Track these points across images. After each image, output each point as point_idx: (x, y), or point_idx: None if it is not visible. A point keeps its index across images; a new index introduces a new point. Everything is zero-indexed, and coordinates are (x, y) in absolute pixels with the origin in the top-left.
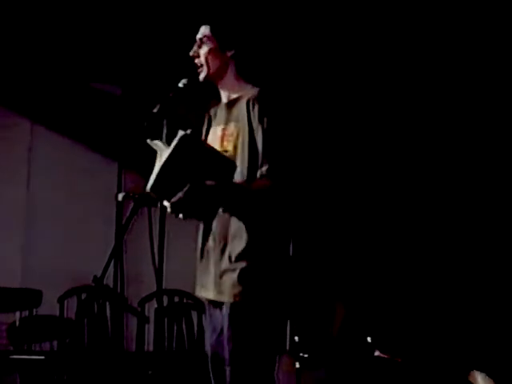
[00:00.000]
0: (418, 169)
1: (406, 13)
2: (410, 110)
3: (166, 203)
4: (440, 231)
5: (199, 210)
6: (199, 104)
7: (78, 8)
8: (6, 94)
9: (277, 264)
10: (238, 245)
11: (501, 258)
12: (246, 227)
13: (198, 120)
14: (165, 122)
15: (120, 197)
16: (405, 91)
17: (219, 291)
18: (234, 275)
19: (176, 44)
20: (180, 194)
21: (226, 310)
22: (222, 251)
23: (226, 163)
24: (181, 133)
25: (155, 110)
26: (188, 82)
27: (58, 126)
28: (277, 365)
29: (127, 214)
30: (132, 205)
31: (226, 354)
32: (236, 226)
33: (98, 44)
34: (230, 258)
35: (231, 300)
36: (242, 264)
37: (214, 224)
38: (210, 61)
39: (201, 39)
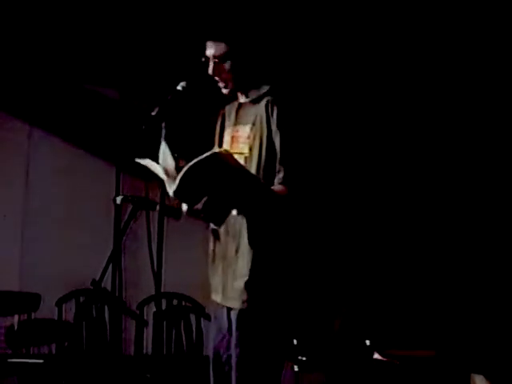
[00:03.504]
0: (415, 174)
1: (415, 16)
2: (416, 114)
3: (184, 207)
4: (438, 235)
5: (217, 217)
6: (198, 106)
7: (76, 12)
8: (5, 97)
9: (284, 270)
10: (246, 252)
11: (500, 259)
12: (255, 234)
13: (212, 116)
14: (163, 124)
15: (118, 200)
16: (413, 96)
17: (228, 297)
18: (242, 282)
19: (174, 47)
20: (199, 205)
21: (233, 315)
22: (231, 257)
23: (254, 183)
24: (215, 149)
25: (154, 113)
26: (186, 84)
27: (56, 130)
28: (284, 370)
29: (125, 218)
30: (130, 208)
31: (234, 359)
32: (245, 233)
33: (95, 47)
34: (239, 264)
35: (239, 306)
36: (250, 271)
37: (223, 229)
38: (231, 77)
39: (218, 57)
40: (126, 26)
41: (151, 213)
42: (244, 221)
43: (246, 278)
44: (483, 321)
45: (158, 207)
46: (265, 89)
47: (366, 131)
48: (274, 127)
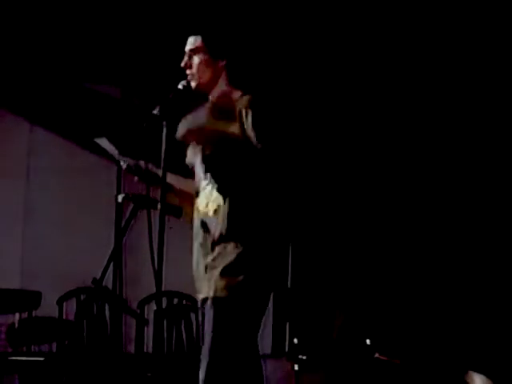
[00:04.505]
0: (415, 175)
1: (399, 11)
2: (407, 108)
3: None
4: (438, 234)
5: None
6: (198, 106)
7: (77, 10)
8: (6, 95)
9: (261, 260)
10: (222, 241)
11: (499, 260)
12: (231, 225)
13: None
14: (164, 123)
15: (119, 198)
16: (399, 89)
17: (206, 287)
18: (217, 270)
19: (175, 46)
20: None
21: (209, 303)
22: (208, 248)
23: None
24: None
25: (155, 112)
26: (188, 83)
27: (57, 128)
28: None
29: (127, 216)
30: (131, 206)
31: (205, 347)
32: (223, 223)
33: (97, 45)
34: (214, 254)
35: (214, 294)
36: (225, 260)
37: (199, 223)
38: (201, 71)
39: (192, 50)
40: (127, 25)
41: (152, 211)
42: (222, 212)
43: (221, 267)
44: (484, 320)
45: (159, 206)
46: (237, 95)
47: (366, 132)
48: (248, 130)
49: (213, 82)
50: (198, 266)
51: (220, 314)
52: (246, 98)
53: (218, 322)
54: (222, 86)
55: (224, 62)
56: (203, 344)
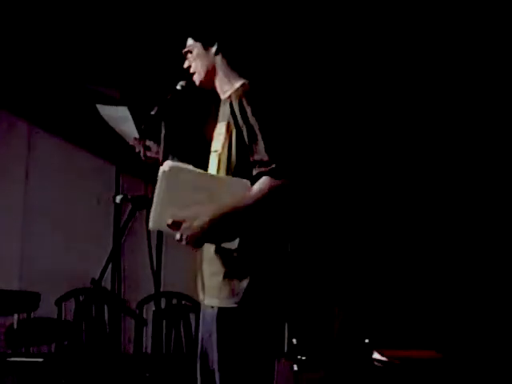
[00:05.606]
0: (414, 174)
1: (400, 10)
2: (405, 108)
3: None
4: (439, 234)
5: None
6: (197, 106)
7: (76, 11)
8: (4, 96)
9: (268, 267)
10: (226, 247)
11: (504, 258)
12: (236, 230)
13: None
14: (163, 124)
15: (118, 199)
16: (398, 89)
17: (208, 294)
18: (220, 278)
19: (174, 46)
20: (177, 236)
21: (214, 312)
22: (211, 254)
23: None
24: (161, 169)
25: (153, 112)
26: (186, 83)
27: (56, 129)
28: (275, 371)
29: (125, 217)
30: (130, 207)
31: (215, 359)
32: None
33: (95, 46)
34: (218, 260)
35: (219, 304)
36: (231, 267)
37: None
38: (199, 65)
39: (187, 50)
40: (126, 27)
41: None
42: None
43: (223, 275)
44: (484, 321)
45: None
46: (239, 83)
47: (365, 130)
48: (240, 122)
49: (212, 71)
50: (199, 261)
51: (228, 324)
52: (243, 85)
53: (222, 337)
54: (221, 74)
55: (215, 47)
56: (207, 349)
